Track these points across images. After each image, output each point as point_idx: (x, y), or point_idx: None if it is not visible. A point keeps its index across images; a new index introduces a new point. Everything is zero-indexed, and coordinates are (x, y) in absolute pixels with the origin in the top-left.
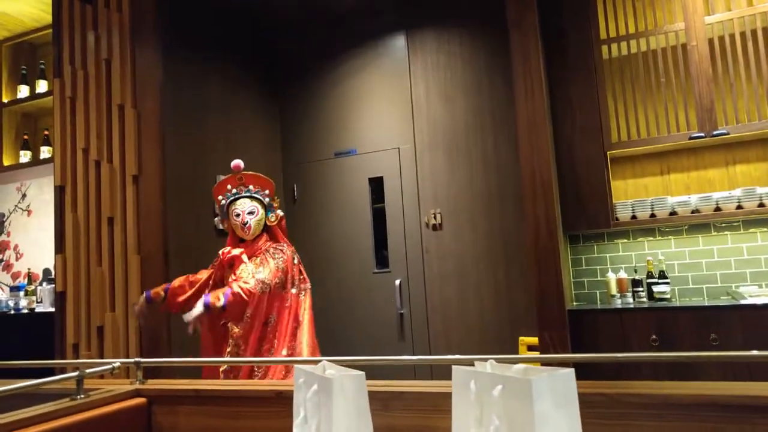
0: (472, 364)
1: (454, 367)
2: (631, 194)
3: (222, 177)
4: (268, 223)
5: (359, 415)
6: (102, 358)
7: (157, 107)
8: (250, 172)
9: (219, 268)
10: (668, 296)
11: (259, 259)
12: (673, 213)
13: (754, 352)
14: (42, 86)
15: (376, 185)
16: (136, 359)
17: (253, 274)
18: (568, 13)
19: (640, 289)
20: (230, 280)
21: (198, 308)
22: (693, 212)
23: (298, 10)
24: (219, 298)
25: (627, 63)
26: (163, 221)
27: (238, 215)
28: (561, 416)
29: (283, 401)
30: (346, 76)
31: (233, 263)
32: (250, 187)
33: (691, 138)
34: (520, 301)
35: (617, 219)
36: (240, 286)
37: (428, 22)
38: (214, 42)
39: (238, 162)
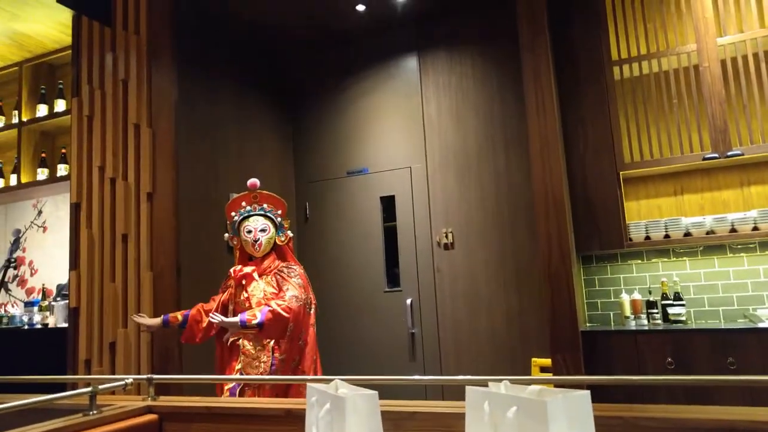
0: (486, 385)
1: (468, 387)
2: (644, 215)
3: (235, 195)
4: (278, 242)
5: None
6: (113, 374)
7: (172, 126)
8: (265, 192)
9: (225, 288)
10: (684, 318)
11: (270, 278)
12: (687, 234)
13: None
14: (60, 105)
15: (388, 204)
16: (149, 375)
17: (269, 293)
18: (579, 33)
19: (655, 310)
20: (243, 298)
21: (234, 323)
22: (708, 233)
23: (311, 30)
24: (255, 315)
25: (639, 84)
26: (176, 238)
27: (250, 232)
28: None
29: (294, 419)
30: (359, 95)
31: (245, 281)
32: (264, 205)
33: (704, 159)
34: (533, 321)
35: (631, 239)
36: (278, 304)
37: (440, 43)
38: (228, 62)
39: (254, 181)
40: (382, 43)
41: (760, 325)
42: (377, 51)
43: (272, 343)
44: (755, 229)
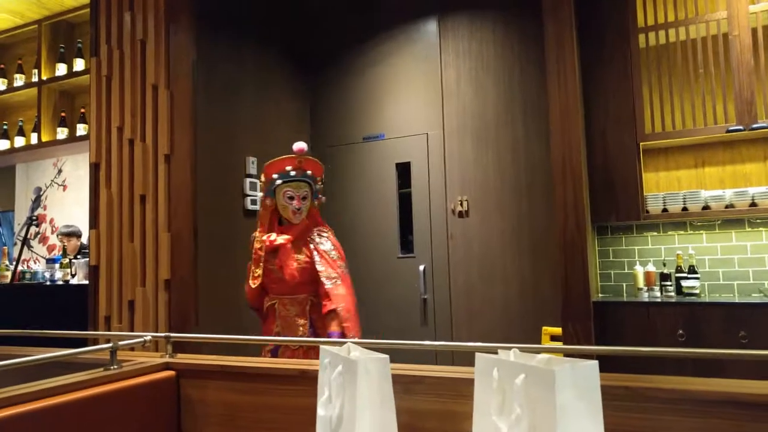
0: (496, 352)
1: (477, 354)
2: (663, 187)
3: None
4: (314, 207)
5: (382, 397)
6: (132, 331)
7: (190, 88)
8: (310, 157)
9: (257, 256)
10: (697, 291)
11: (302, 245)
12: (706, 207)
13: None
14: (79, 65)
15: (403, 170)
16: (167, 333)
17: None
18: None
19: (669, 283)
20: (276, 266)
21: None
22: (727, 207)
23: None
24: (339, 326)
25: (665, 52)
26: (193, 200)
27: (291, 198)
28: (583, 408)
29: (307, 380)
30: (377, 60)
31: (277, 250)
32: (308, 172)
33: (728, 131)
34: (545, 291)
35: (648, 212)
36: (334, 296)
37: (461, 8)
38: (247, 24)
39: (301, 145)
40: (403, 7)
41: None
42: (397, 14)
43: (308, 306)
44: None
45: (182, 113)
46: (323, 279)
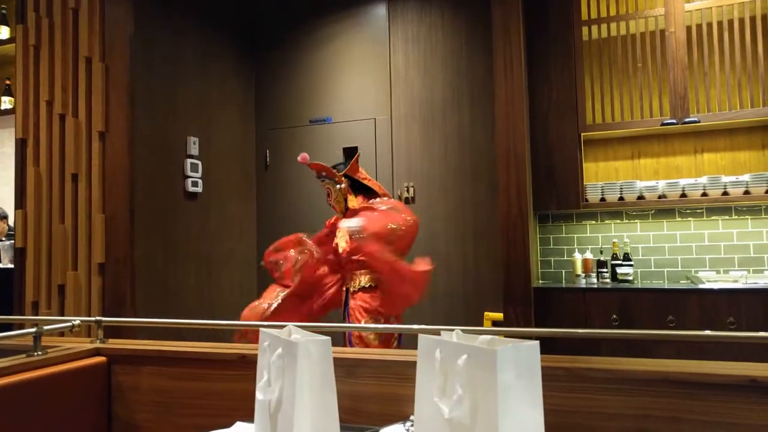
0: (439, 334)
1: (420, 335)
2: (601, 177)
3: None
4: (344, 194)
5: (323, 380)
6: (63, 317)
7: (127, 62)
8: (313, 162)
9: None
10: (631, 278)
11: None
12: (640, 197)
13: (707, 332)
14: (3, 33)
15: (351, 155)
16: (97, 318)
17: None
18: None
19: (605, 270)
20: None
21: None
22: (660, 197)
23: None
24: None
25: (606, 45)
26: (130, 180)
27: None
28: (524, 387)
29: (247, 364)
30: (325, 42)
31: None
32: (321, 173)
33: (663, 124)
34: (488, 276)
35: (587, 200)
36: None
37: None
38: (189, 1)
39: (301, 157)
40: None
41: (701, 286)
42: None
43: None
44: (704, 195)
45: (118, 88)
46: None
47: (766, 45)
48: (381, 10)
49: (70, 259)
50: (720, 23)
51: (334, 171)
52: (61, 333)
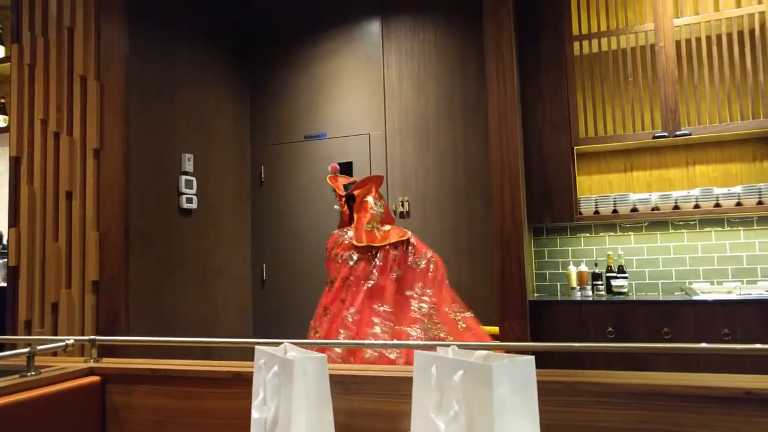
0: (435, 350)
1: (416, 351)
2: (595, 190)
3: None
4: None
5: (319, 397)
6: (56, 336)
7: (122, 80)
8: (332, 176)
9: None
10: (626, 290)
11: None
12: (634, 210)
13: (703, 345)
14: None
15: (345, 170)
16: (91, 337)
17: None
18: (542, 6)
19: (600, 282)
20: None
21: None
22: (653, 209)
23: None
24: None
25: (597, 60)
26: (125, 198)
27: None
28: (519, 402)
29: (242, 382)
30: (320, 58)
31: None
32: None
33: (654, 137)
34: (483, 291)
35: (581, 213)
36: None
37: (404, 9)
38: (184, 18)
39: (332, 165)
40: (346, 6)
41: (695, 297)
42: (340, 14)
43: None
44: (696, 207)
45: (113, 106)
46: None
47: (754, 58)
48: (375, 27)
49: (63, 278)
50: (708, 38)
51: (337, 191)
52: (55, 353)
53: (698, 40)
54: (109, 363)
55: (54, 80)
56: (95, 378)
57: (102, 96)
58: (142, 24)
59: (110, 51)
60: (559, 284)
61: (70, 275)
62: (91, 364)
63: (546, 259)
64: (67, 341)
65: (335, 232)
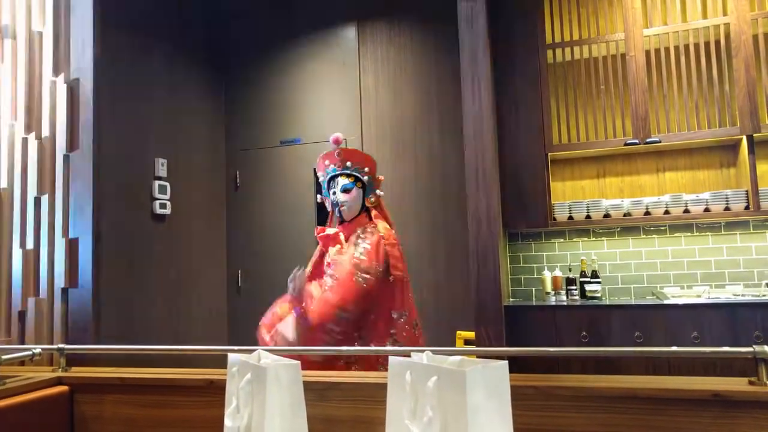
0: (409, 356)
1: (391, 357)
2: (569, 196)
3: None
4: (367, 204)
5: (293, 405)
6: (23, 345)
7: (92, 83)
8: (349, 148)
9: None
10: (599, 295)
11: (350, 244)
12: (606, 215)
13: (674, 348)
14: None
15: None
16: (59, 345)
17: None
18: (517, 14)
19: (574, 287)
20: (326, 262)
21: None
22: (625, 215)
23: None
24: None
25: (570, 68)
26: (96, 202)
27: (334, 193)
28: (493, 407)
29: (215, 390)
30: (296, 63)
31: (327, 243)
32: (348, 163)
33: (626, 144)
34: (459, 296)
35: (555, 219)
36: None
37: (380, 15)
38: (158, 20)
39: (336, 136)
40: (322, 11)
41: (666, 302)
42: (316, 19)
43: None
44: (666, 212)
45: (84, 110)
46: (326, 277)
47: (720, 69)
48: (351, 32)
49: (32, 285)
50: (677, 48)
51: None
52: (22, 362)
53: (667, 49)
54: (78, 372)
55: (23, 83)
56: (63, 388)
57: (71, 99)
58: (114, 27)
59: (80, 54)
60: (534, 289)
61: (37, 282)
62: (60, 373)
63: (521, 265)
64: (34, 350)
65: (385, 226)
